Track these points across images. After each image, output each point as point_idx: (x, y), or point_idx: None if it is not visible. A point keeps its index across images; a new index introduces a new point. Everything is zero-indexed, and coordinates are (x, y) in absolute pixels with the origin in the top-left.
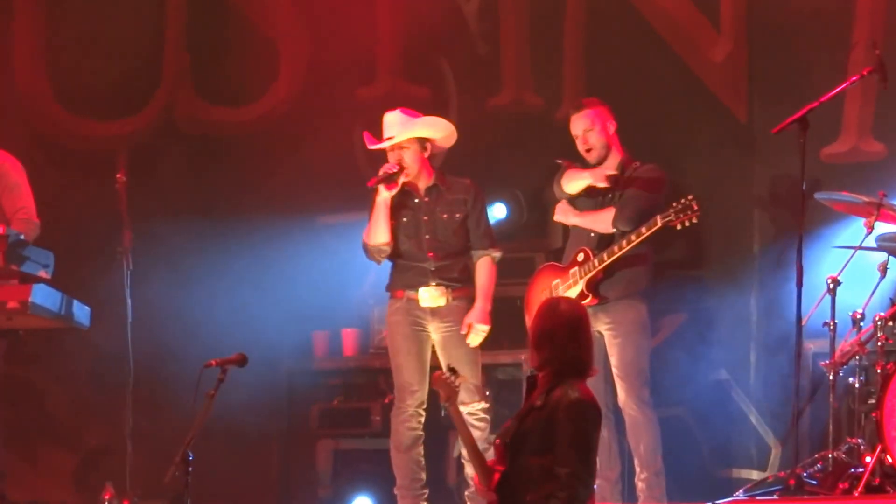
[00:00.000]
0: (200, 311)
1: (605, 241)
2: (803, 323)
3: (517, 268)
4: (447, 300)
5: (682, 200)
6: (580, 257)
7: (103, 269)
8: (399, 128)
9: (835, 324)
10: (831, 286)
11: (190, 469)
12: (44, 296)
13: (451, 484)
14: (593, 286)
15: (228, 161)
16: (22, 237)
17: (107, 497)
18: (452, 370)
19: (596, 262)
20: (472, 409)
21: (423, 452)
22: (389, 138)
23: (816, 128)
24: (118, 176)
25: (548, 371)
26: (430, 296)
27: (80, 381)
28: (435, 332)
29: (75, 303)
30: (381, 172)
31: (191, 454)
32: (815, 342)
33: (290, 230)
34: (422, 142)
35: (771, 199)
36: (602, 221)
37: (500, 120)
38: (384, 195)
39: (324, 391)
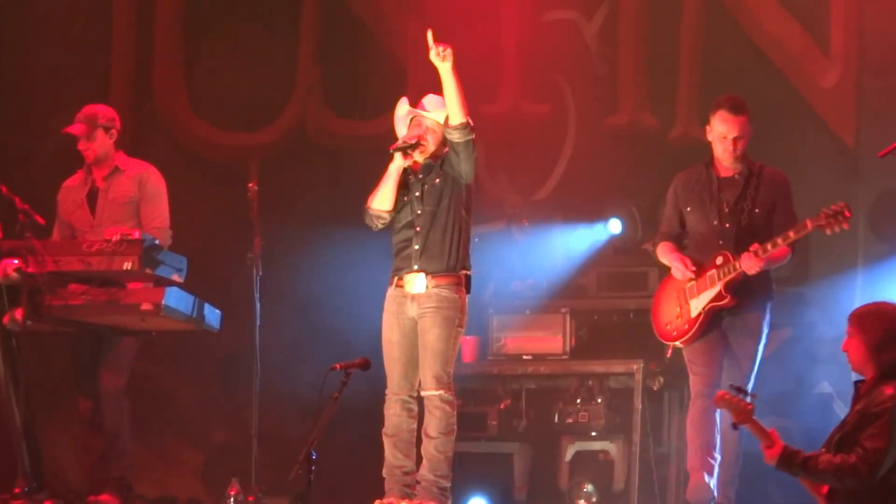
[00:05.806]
0: (325, 317)
1: (742, 247)
2: None
3: (631, 282)
4: (427, 287)
5: (834, 207)
6: (719, 261)
7: (234, 274)
8: (433, 108)
9: None
10: None
11: (313, 468)
12: (176, 298)
13: (562, 487)
14: (732, 288)
15: (356, 173)
16: (157, 242)
17: (232, 493)
18: (737, 388)
19: (738, 264)
20: (429, 395)
21: (411, 440)
22: (419, 109)
23: None
24: (250, 185)
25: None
26: (412, 282)
27: (209, 381)
28: (416, 317)
29: (206, 306)
30: (400, 140)
31: (314, 453)
32: None
33: None
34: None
35: (875, 221)
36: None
37: (617, 138)
38: (398, 163)
39: None
